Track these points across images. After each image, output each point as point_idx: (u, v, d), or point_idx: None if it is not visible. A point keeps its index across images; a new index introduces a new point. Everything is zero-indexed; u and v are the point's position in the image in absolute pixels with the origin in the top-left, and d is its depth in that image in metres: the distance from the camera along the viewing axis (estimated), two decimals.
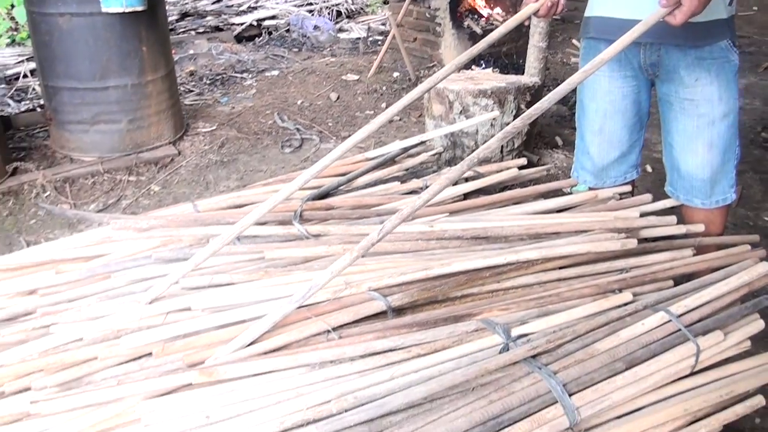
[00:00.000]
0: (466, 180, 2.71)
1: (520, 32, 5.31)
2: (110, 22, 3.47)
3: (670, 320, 1.76)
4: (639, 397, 1.65)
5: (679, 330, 1.75)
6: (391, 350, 1.65)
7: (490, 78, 3.45)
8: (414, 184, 2.56)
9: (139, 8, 3.44)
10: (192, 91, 5.02)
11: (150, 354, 1.70)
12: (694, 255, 2.15)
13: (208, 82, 5.27)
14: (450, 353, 1.65)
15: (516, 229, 2.07)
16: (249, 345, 1.62)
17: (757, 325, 1.85)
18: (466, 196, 2.49)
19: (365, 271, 1.87)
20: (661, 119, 2.29)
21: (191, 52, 5.98)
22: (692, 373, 1.74)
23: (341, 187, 2.57)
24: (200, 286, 1.85)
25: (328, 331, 1.68)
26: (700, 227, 2.27)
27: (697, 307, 1.82)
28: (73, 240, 2.31)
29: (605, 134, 2.33)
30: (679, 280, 2.08)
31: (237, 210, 2.31)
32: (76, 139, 3.71)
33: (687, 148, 2.20)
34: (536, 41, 3.66)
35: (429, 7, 5.12)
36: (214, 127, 4.31)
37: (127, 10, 3.38)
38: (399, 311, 1.80)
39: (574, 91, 1.98)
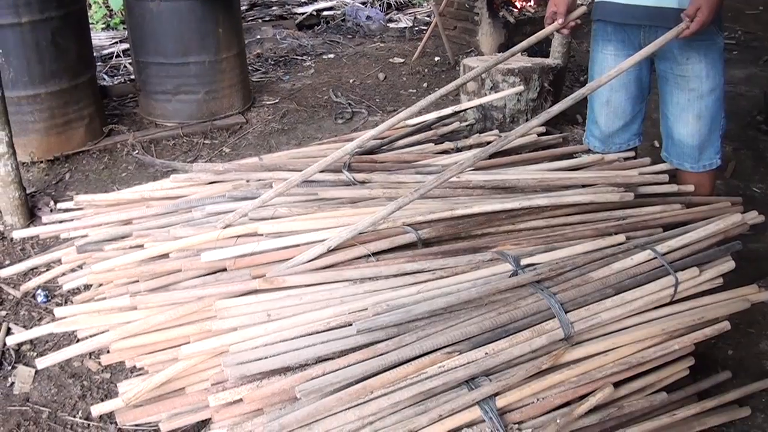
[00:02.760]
0: (488, 143, 2.84)
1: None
2: (193, 7, 3.66)
3: (655, 257, 1.89)
4: (625, 319, 1.79)
5: (663, 265, 1.88)
6: (419, 272, 1.82)
7: (518, 59, 3.55)
8: (446, 145, 2.70)
9: None
10: (258, 69, 5.20)
11: (224, 270, 1.89)
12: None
13: (272, 62, 5.44)
14: (468, 276, 1.81)
15: (530, 181, 2.20)
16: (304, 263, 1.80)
17: (728, 265, 1.97)
18: (491, 156, 2.62)
19: (400, 209, 2.03)
20: (659, 93, 2.40)
21: (258, 37, 6.16)
22: (672, 302, 1.87)
23: (383, 147, 2.72)
24: (264, 217, 2.03)
25: (368, 255, 1.85)
26: (690, 187, 2.38)
27: (679, 248, 1.95)
28: (159, 183, 2.51)
29: (611, 106, 2.44)
30: (667, 229, 2.19)
31: (294, 159, 2.49)
32: (161, 107, 3.93)
33: (679, 119, 2.32)
34: None
35: None
36: (277, 101, 4.49)
37: None
38: (427, 243, 1.96)
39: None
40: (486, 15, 5.01)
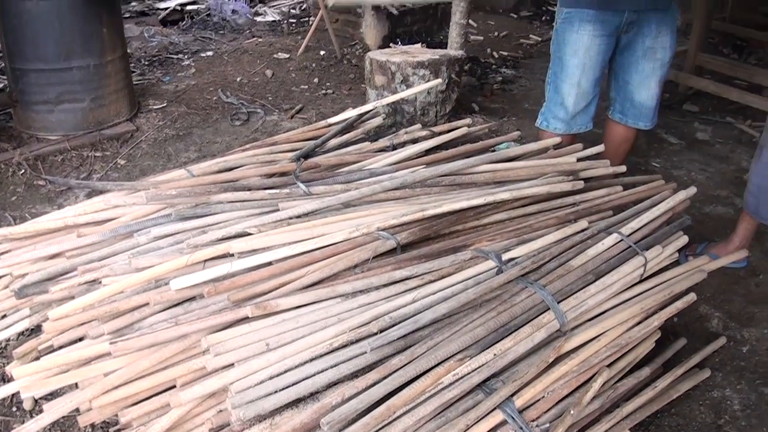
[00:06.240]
0: (415, 141, 2.81)
1: (428, 14, 5.43)
2: (74, 5, 3.27)
3: (621, 240, 1.94)
4: (606, 302, 1.83)
5: (629, 247, 1.94)
6: (407, 278, 1.75)
7: (423, 52, 3.53)
8: (382, 143, 2.63)
9: None
10: (134, 71, 4.80)
11: (193, 298, 1.71)
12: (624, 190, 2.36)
13: (146, 63, 5.05)
14: (456, 277, 1.76)
15: (486, 176, 2.19)
16: (289, 283, 1.67)
17: (683, 239, 2.08)
18: (428, 152, 2.59)
19: (370, 215, 1.94)
20: (617, 64, 2.56)
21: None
22: (640, 281, 1.93)
23: (316, 150, 2.60)
24: (227, 235, 1.86)
25: (354, 267, 1.75)
26: (622, 168, 2.49)
27: (639, 229, 2.02)
28: (82, 206, 2.23)
29: (581, 87, 2.50)
30: (615, 210, 2.27)
31: (227, 171, 2.31)
32: (42, 119, 3.50)
33: (642, 85, 2.52)
34: (458, 19, 3.75)
35: None
36: (164, 104, 4.17)
37: None
38: (404, 247, 1.89)
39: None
40: (369, 7, 4.96)
